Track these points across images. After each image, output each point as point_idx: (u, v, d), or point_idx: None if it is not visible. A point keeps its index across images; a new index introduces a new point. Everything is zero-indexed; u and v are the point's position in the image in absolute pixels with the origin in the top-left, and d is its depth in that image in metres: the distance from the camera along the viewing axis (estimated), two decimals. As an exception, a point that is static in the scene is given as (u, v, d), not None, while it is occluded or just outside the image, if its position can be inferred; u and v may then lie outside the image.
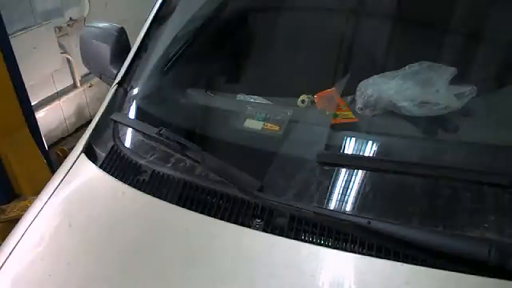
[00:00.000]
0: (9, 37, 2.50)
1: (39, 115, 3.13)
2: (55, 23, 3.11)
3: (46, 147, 2.81)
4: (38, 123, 2.80)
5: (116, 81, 1.36)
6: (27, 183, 2.51)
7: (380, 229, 0.85)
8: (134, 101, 1.30)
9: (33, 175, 2.48)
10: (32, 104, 2.93)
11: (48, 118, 3.28)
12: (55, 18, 3.13)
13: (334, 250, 0.85)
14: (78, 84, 3.47)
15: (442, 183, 0.91)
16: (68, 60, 3.30)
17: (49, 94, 3.26)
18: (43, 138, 2.78)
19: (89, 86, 3.54)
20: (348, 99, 1.18)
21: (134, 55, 1.41)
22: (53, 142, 3.38)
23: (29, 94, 2.67)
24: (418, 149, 1.04)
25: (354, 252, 0.84)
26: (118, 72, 1.41)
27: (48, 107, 3.25)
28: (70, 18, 3.26)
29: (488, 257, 0.78)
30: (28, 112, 2.61)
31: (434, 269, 0.79)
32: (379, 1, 1.44)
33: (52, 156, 2.87)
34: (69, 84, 3.43)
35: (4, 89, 2.38)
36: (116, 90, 1.34)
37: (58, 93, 3.34)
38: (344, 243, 0.86)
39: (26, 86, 2.61)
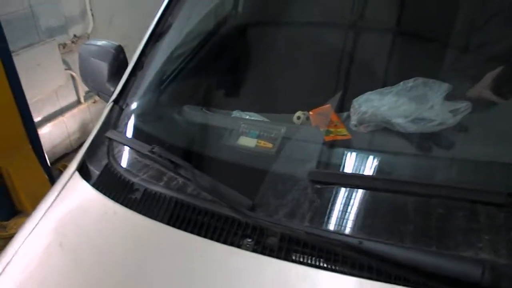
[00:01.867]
0: (13, 53, 2.53)
1: (43, 131, 3.15)
2: (59, 40, 3.14)
3: (49, 163, 2.82)
4: (42, 139, 2.82)
5: (112, 98, 1.36)
6: (28, 199, 2.51)
7: (371, 250, 0.84)
8: (130, 119, 1.29)
9: (34, 192, 2.49)
10: (36, 120, 2.96)
11: (52, 134, 3.30)
12: (59, 35, 3.16)
13: (325, 271, 0.83)
14: (82, 100, 3.49)
15: (436, 202, 0.89)
16: (72, 77, 3.33)
17: (53, 110, 3.28)
18: (46, 155, 2.80)
19: (93, 102, 3.56)
20: (344, 116, 1.17)
21: (130, 72, 1.41)
22: (57, 158, 3.39)
23: (33, 110, 2.70)
24: (412, 166, 1.02)
25: (345, 273, 0.82)
26: (114, 89, 1.41)
27: (52, 123, 3.27)
28: (74, 35, 3.29)
29: (482, 278, 0.76)
30: (31, 128, 2.62)
31: (426, 291, 0.78)
32: (375, 19, 1.44)
33: (55, 172, 2.88)
34: (73, 100, 3.45)
35: (6, 105, 2.40)
36: (112, 107, 1.34)
37: (62, 109, 3.36)
38: (335, 264, 0.84)
39: (30, 102, 2.64)
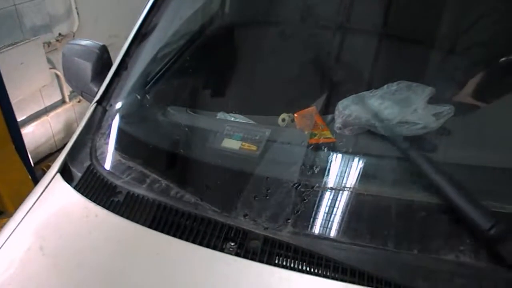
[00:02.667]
0: (-4, 52, 2.50)
1: (27, 130, 3.11)
2: (44, 38, 3.10)
3: (32, 164, 2.79)
4: (26, 139, 2.78)
5: (96, 99, 1.35)
6: (11, 200, 2.48)
7: (355, 253, 0.84)
8: (113, 120, 1.28)
9: (17, 192, 2.46)
10: (20, 119, 2.92)
11: (36, 134, 3.25)
12: (44, 34, 3.12)
13: (308, 275, 0.83)
14: (67, 100, 3.45)
15: (418, 205, 0.90)
16: (57, 76, 3.29)
17: (38, 110, 3.24)
18: (29, 154, 2.76)
19: (78, 102, 3.52)
20: (328, 118, 1.17)
21: (114, 73, 1.40)
22: (42, 158, 3.35)
23: (16, 110, 2.66)
24: (395, 169, 1.02)
25: (328, 277, 0.82)
26: (98, 90, 1.40)
27: (36, 123, 3.23)
28: (59, 34, 3.26)
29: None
30: (14, 128, 2.59)
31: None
32: (362, 21, 1.44)
33: (38, 173, 2.84)
34: (57, 100, 3.41)
35: (-12, 105, 2.37)
36: (95, 108, 1.32)
37: (46, 108, 3.32)
38: (318, 268, 0.84)
39: (13, 101, 2.59)
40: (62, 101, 3.45)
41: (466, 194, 0.86)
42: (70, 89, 3.36)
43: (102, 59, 1.48)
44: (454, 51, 1.28)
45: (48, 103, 3.32)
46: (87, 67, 1.48)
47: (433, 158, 1.03)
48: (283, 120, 1.20)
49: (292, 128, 1.16)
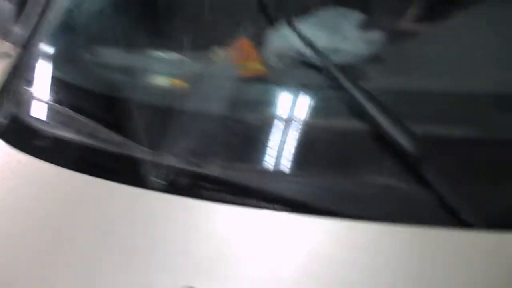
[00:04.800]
0: None
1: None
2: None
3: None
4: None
5: (18, 42, 1.26)
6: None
7: (284, 183, 0.84)
8: (37, 62, 1.20)
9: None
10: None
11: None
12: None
13: (238, 207, 0.83)
14: None
15: (348, 133, 0.90)
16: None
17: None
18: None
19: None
20: (261, 50, 1.14)
21: (40, 13, 1.30)
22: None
23: None
24: (327, 99, 1.01)
25: (257, 207, 0.82)
26: (22, 32, 1.31)
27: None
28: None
29: None
30: None
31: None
32: None
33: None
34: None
35: None
36: (19, 52, 1.24)
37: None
38: (247, 200, 0.83)
39: None
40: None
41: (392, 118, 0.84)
42: None
43: (25, -2, 1.38)
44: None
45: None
46: (9, 8, 1.38)
47: (366, 86, 1.03)
48: (214, 54, 1.15)
49: (223, 62, 1.12)
